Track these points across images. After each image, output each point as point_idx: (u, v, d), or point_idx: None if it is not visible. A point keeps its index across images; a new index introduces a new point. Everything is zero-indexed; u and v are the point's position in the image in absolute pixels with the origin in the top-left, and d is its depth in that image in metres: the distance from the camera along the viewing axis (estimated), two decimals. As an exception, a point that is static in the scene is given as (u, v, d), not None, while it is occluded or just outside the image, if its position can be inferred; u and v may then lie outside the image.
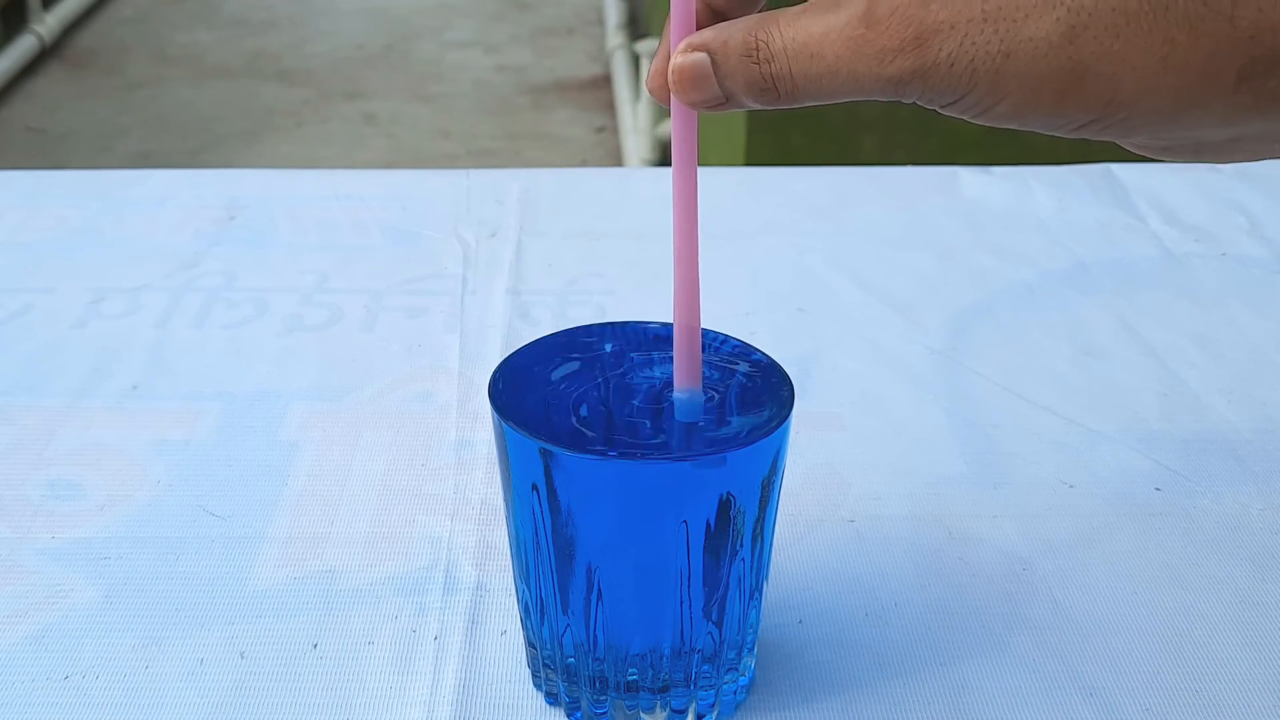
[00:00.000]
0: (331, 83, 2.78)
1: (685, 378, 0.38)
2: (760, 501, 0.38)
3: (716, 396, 0.40)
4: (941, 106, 0.33)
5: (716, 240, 0.71)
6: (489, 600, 0.46)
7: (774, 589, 0.45)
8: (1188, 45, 0.30)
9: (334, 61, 2.89)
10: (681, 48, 0.35)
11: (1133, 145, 0.34)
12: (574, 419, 0.40)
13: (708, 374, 0.40)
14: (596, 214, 0.74)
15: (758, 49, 0.34)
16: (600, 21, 2.99)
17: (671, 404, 0.39)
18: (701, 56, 0.34)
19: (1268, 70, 0.30)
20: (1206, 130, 0.32)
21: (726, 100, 0.35)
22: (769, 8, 0.36)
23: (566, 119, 2.60)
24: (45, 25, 2.88)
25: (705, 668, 0.39)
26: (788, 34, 0.33)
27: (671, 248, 0.37)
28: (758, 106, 0.35)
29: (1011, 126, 0.33)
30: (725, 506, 0.37)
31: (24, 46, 2.80)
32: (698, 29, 0.35)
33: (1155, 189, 0.77)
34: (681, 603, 0.38)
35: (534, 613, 0.40)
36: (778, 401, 0.38)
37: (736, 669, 0.40)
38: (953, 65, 0.31)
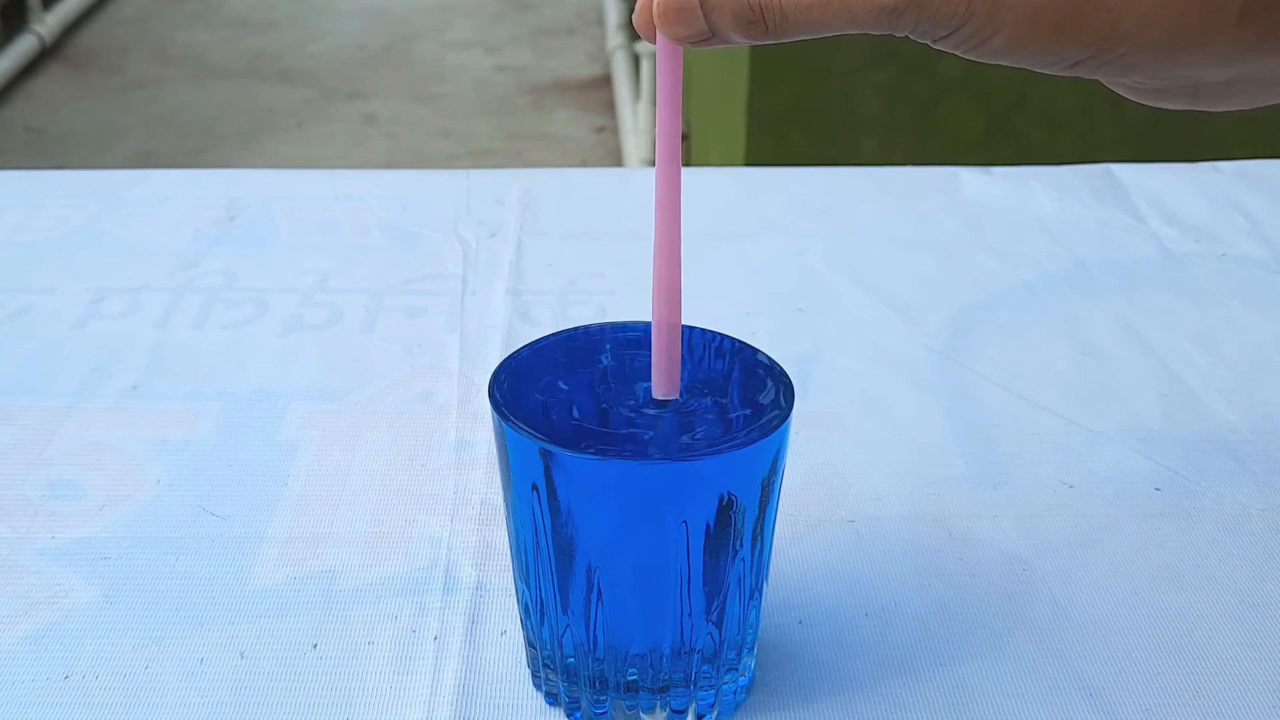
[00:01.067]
0: (331, 83, 2.78)
1: (664, 387, 0.39)
2: (760, 501, 0.38)
3: (718, 398, 0.40)
4: (935, 40, 0.32)
5: (716, 240, 0.71)
6: (489, 600, 0.46)
7: (774, 589, 0.45)
8: None
9: (334, 61, 2.89)
10: None
11: (1127, 87, 0.33)
12: (574, 419, 0.40)
13: (707, 374, 0.40)
14: (596, 214, 0.74)
15: None
16: (600, 21, 2.99)
17: (670, 404, 0.39)
18: None
19: (1273, 4, 0.29)
20: (1206, 69, 0.31)
21: (713, 35, 0.34)
22: None
23: (566, 119, 2.60)
24: (45, 25, 2.88)
25: (705, 668, 0.39)
26: None
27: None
28: (745, 41, 0.34)
29: (1004, 63, 0.32)
30: (725, 506, 0.37)
31: (24, 46, 2.80)
32: None
33: (1155, 189, 0.77)
34: (681, 603, 0.38)
35: (534, 613, 0.40)
36: (778, 401, 0.38)
37: (736, 669, 0.40)
38: None
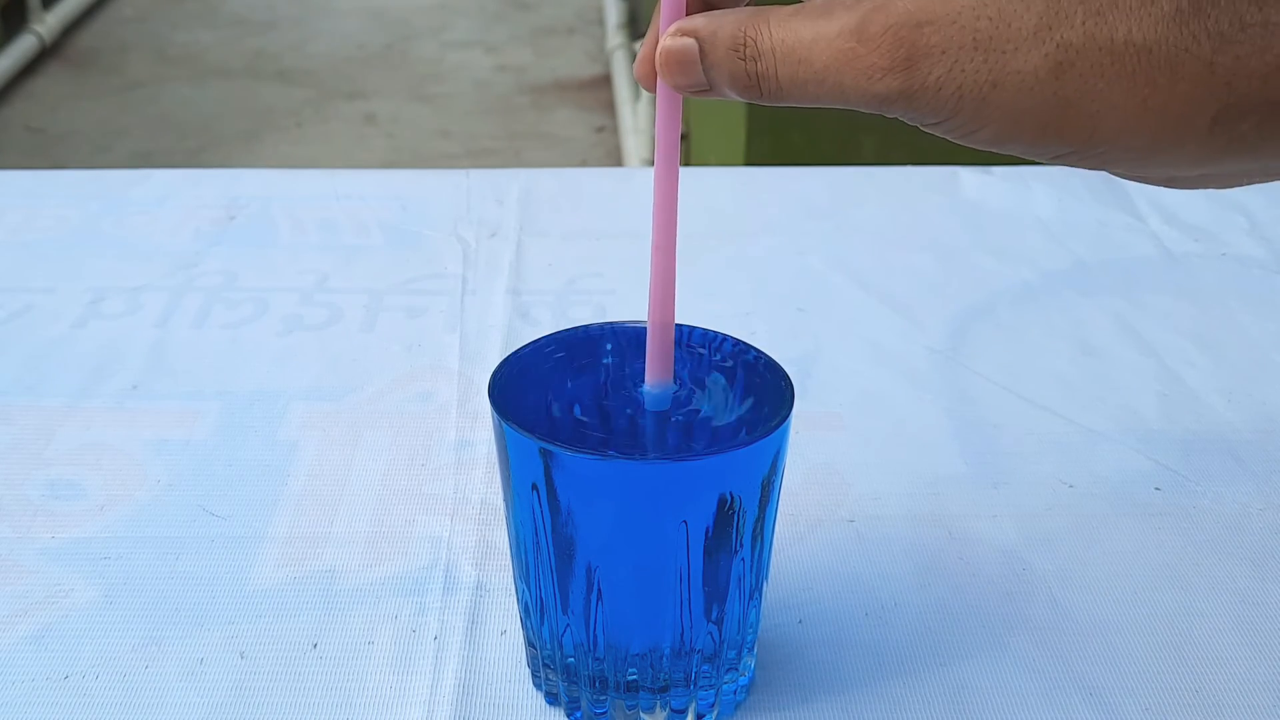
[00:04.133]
0: (331, 83, 2.78)
1: (658, 371, 0.39)
2: (760, 501, 0.38)
3: (717, 397, 0.40)
4: (924, 125, 0.34)
5: (716, 240, 0.71)
6: (489, 600, 0.46)
7: (774, 589, 0.45)
8: (1168, 88, 0.31)
9: (334, 61, 2.89)
10: (672, 30, 0.35)
11: (1108, 172, 0.35)
12: (574, 419, 0.40)
13: (708, 374, 0.40)
14: (596, 214, 0.74)
15: (745, 45, 0.34)
16: (600, 21, 2.99)
17: (670, 403, 0.39)
18: (689, 42, 0.35)
19: (1240, 115, 0.31)
20: (1179, 169, 0.33)
21: (710, 89, 0.35)
22: (756, 2, 0.36)
23: (566, 119, 2.60)
24: (45, 25, 2.88)
25: (705, 667, 0.39)
26: (777, 35, 0.33)
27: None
28: (740, 99, 0.35)
29: (990, 149, 0.33)
30: (725, 506, 0.37)
31: (24, 46, 2.80)
32: (688, 14, 0.35)
33: (1155, 189, 0.77)
34: (681, 603, 0.38)
35: (534, 613, 0.40)
36: (778, 401, 0.38)
37: (736, 669, 0.40)
38: (940, 90, 0.32)
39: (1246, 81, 0.30)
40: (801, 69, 0.33)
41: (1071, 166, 0.34)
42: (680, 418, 0.40)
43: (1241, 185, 0.35)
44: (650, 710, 0.40)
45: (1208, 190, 0.76)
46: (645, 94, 2.25)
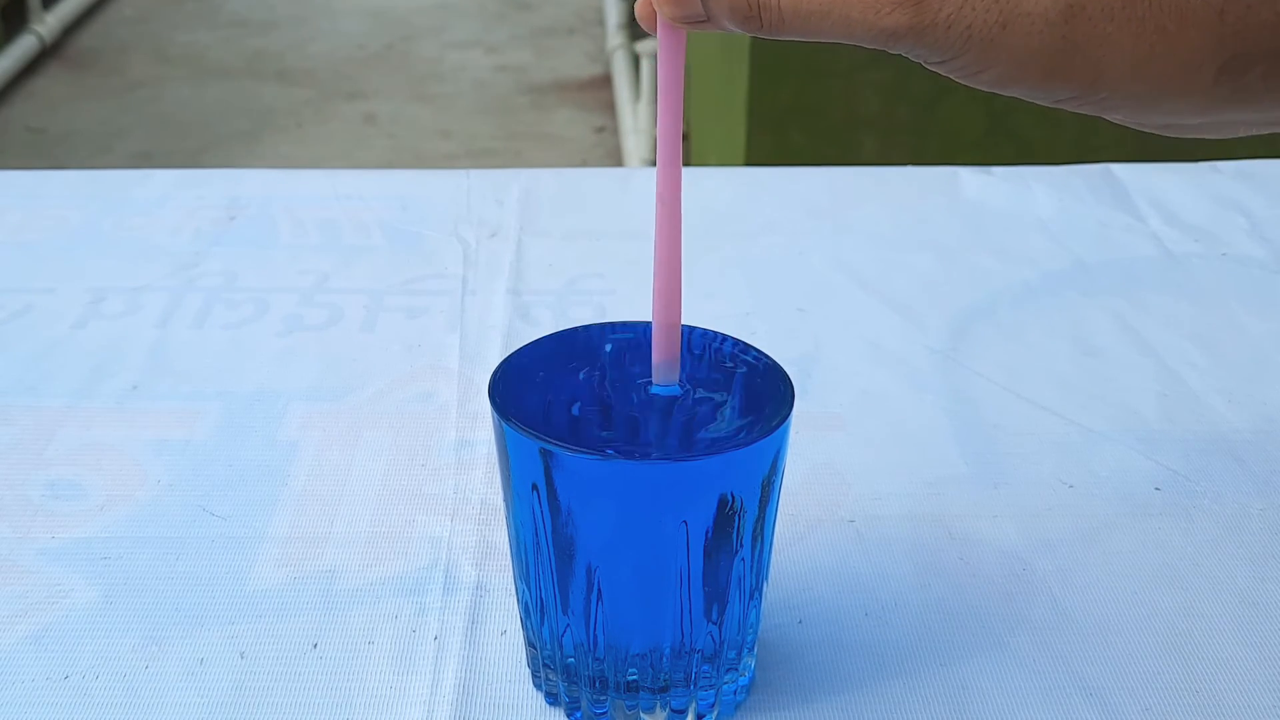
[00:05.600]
0: (332, 83, 2.78)
1: (664, 364, 0.39)
2: (760, 501, 0.38)
3: (718, 397, 0.40)
4: (928, 63, 0.33)
5: (716, 240, 0.71)
6: (489, 600, 0.46)
7: (774, 589, 0.45)
8: (1176, 35, 0.31)
9: (334, 61, 2.89)
10: None
11: (1107, 117, 0.35)
12: (574, 419, 0.40)
13: (708, 374, 0.40)
14: (596, 214, 0.74)
15: None
16: (600, 21, 2.99)
17: (670, 404, 0.39)
18: None
19: (1247, 65, 0.31)
20: (1181, 117, 0.33)
21: (708, 19, 0.34)
22: None
23: (566, 119, 2.60)
24: (45, 25, 2.88)
25: (705, 668, 0.39)
26: None
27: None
28: (739, 31, 0.35)
29: (993, 91, 0.33)
30: (725, 506, 0.37)
31: (24, 46, 2.80)
32: None
33: (1155, 189, 0.77)
34: (681, 603, 0.38)
35: (534, 613, 0.40)
36: (778, 401, 0.38)
37: (736, 669, 0.40)
38: (949, 28, 0.31)
39: (1256, 31, 0.30)
40: (806, 1, 0.33)
41: (1073, 110, 0.33)
42: (681, 417, 0.40)
43: (1239, 135, 0.35)
44: (650, 710, 0.40)
45: (1208, 190, 0.76)
46: (645, 94, 2.26)
